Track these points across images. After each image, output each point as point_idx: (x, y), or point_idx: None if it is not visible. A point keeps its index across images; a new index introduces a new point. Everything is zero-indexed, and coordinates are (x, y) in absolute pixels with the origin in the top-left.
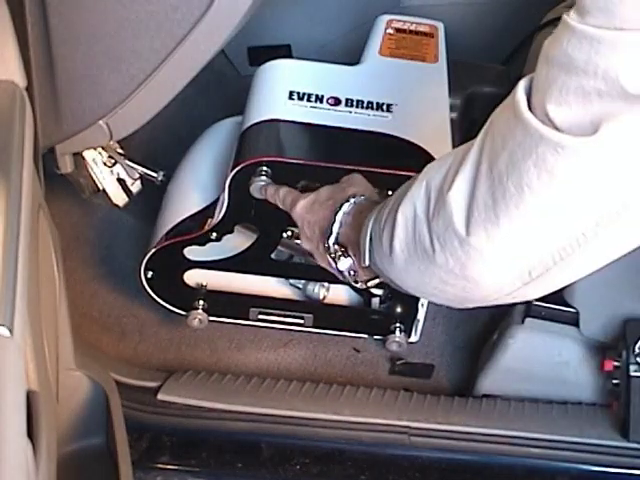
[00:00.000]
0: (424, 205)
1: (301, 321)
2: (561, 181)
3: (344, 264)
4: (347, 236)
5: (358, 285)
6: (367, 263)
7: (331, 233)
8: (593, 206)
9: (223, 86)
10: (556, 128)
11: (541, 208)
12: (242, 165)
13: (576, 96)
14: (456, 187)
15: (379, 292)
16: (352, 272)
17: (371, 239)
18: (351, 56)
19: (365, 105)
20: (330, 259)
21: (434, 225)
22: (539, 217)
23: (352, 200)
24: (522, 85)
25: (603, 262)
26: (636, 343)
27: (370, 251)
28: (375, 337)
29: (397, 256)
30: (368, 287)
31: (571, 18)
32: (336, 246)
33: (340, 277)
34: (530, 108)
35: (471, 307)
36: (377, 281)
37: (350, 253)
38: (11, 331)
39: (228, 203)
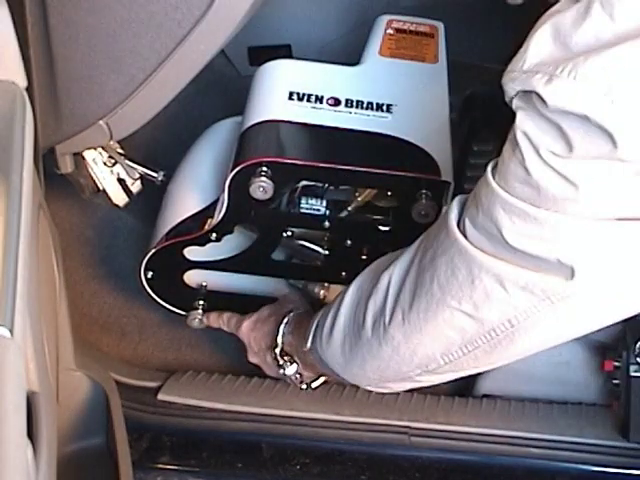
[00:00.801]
0: (369, 286)
1: None
2: (458, 282)
3: (291, 370)
4: (290, 344)
5: (303, 387)
6: (309, 346)
7: (277, 345)
8: (481, 318)
9: (223, 86)
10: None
11: (440, 304)
12: (242, 166)
13: (479, 229)
14: (395, 270)
15: None
16: (298, 375)
17: (317, 326)
18: (351, 56)
19: (365, 106)
20: (278, 367)
21: (370, 302)
22: (437, 312)
23: (291, 314)
24: (457, 199)
25: (489, 367)
26: (636, 343)
27: (314, 336)
28: None
29: (336, 335)
30: (311, 387)
31: (490, 170)
32: (283, 355)
33: (288, 381)
34: (459, 220)
35: (387, 391)
36: (319, 382)
37: (295, 359)
38: (11, 331)
39: (228, 203)
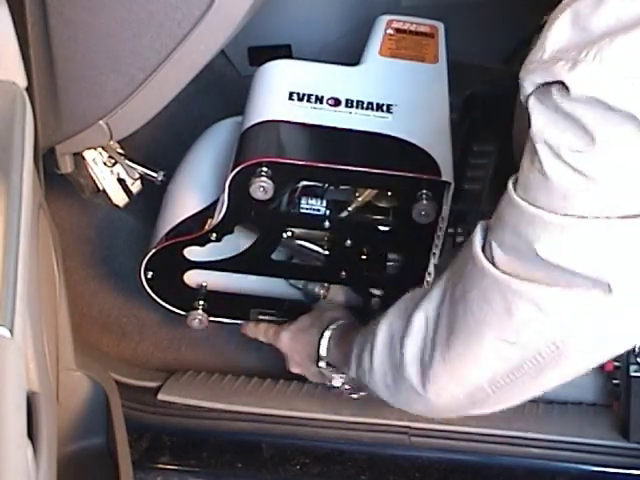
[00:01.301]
0: (400, 326)
1: None
2: (495, 312)
3: (338, 381)
4: (335, 356)
5: (355, 396)
6: (354, 376)
7: (320, 358)
8: (524, 344)
9: (223, 86)
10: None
11: (479, 336)
12: (242, 166)
13: (507, 249)
14: (428, 308)
15: (379, 292)
16: (347, 386)
17: (356, 357)
18: (351, 56)
19: (365, 106)
20: (323, 378)
21: (406, 343)
22: (477, 345)
23: (332, 326)
24: (481, 226)
25: (537, 393)
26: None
27: (356, 367)
28: None
29: (377, 369)
30: (361, 397)
31: (511, 187)
32: (329, 368)
33: (336, 391)
34: (485, 245)
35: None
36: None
37: (342, 370)
38: (11, 331)
39: (228, 204)
